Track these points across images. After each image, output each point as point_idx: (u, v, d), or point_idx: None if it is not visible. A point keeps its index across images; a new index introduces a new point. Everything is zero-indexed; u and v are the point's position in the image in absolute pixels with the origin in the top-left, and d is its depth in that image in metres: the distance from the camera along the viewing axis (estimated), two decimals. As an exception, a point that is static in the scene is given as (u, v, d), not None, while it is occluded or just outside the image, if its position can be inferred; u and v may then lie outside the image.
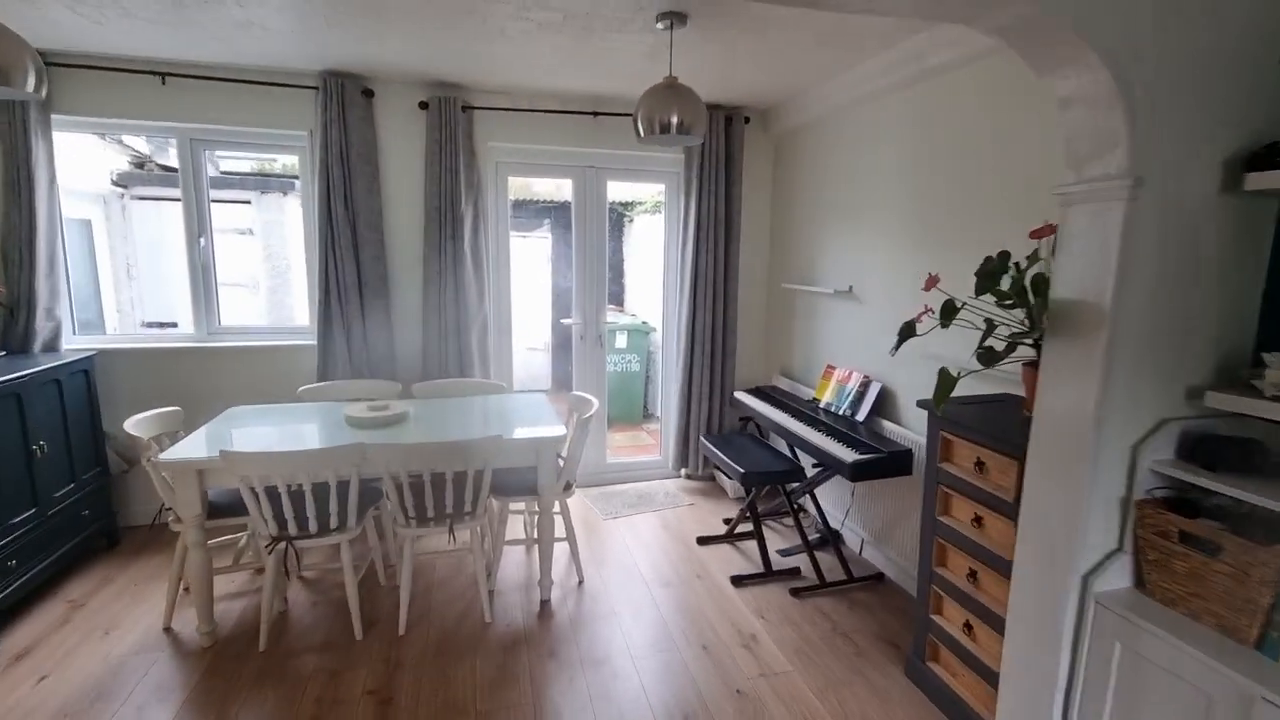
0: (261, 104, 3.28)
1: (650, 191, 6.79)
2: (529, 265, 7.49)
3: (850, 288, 3.29)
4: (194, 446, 2.37)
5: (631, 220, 7.33)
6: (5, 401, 2.49)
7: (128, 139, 4.22)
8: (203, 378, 3.40)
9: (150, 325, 4.67)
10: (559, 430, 2.65)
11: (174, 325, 4.68)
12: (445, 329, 3.55)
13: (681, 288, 3.98)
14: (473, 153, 3.55)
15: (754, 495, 3.13)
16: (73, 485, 2.87)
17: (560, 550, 3.13)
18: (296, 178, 3.83)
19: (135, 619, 2.58)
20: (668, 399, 4.30)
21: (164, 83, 3.14)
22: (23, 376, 2.57)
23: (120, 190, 4.40)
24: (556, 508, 2.78)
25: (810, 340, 3.71)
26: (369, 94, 3.34)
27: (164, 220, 4.61)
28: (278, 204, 4.94)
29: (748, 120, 3.92)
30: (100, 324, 4.21)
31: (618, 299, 7.55)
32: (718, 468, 3.62)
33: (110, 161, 4.30)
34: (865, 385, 3.04)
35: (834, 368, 3.29)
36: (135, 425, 2.44)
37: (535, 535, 2.89)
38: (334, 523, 2.37)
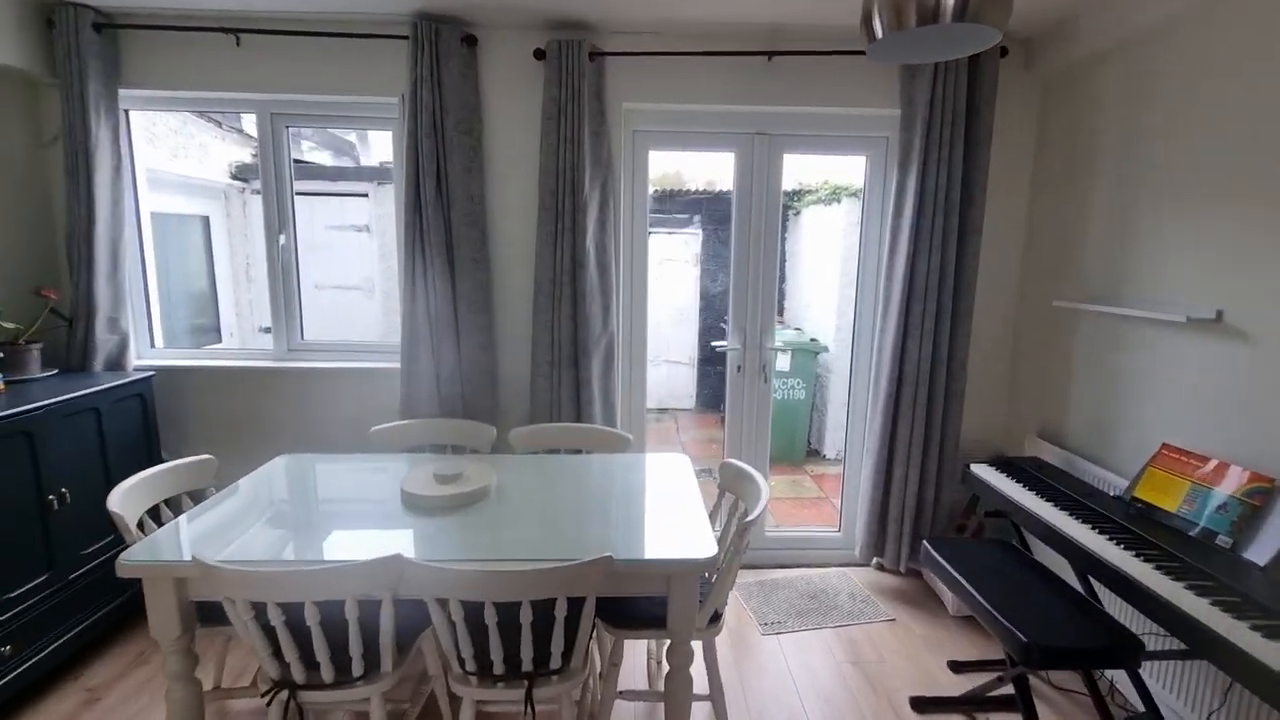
0: (346, 62, 2.60)
1: (837, 170, 5.52)
2: (673, 265, 6.54)
3: (1219, 314, 1.90)
4: (179, 537, 1.66)
5: (797, 213, 6.10)
6: (10, 442, 1.97)
7: (248, 128, 3.93)
8: (278, 405, 2.81)
9: (268, 330, 4.36)
10: (706, 547, 1.61)
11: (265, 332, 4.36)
12: (559, 354, 2.67)
13: (886, 301, 2.77)
14: (602, 116, 2.62)
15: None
16: (111, 537, 2.36)
17: (700, 711, 2.11)
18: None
19: (143, 733, 1.96)
20: (853, 457, 3.10)
21: (238, 43, 2.55)
22: (33, 410, 2.04)
23: (240, 184, 4.14)
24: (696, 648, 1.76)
25: (1115, 395, 2.33)
26: (471, 41, 2.54)
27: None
28: (392, 195, 4.44)
29: (1004, 52, 2.61)
30: (216, 329, 3.90)
31: (777, 308, 6.35)
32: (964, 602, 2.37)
33: (230, 153, 4.03)
34: (1270, 496, 1.67)
35: (1182, 452, 1.92)
36: (133, 490, 1.79)
37: (662, 686, 1.90)
38: (357, 668, 1.55)
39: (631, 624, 1.81)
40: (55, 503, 2.11)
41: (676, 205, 6.80)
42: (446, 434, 2.50)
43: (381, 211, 4.37)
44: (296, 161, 4.89)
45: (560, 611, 1.48)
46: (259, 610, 1.49)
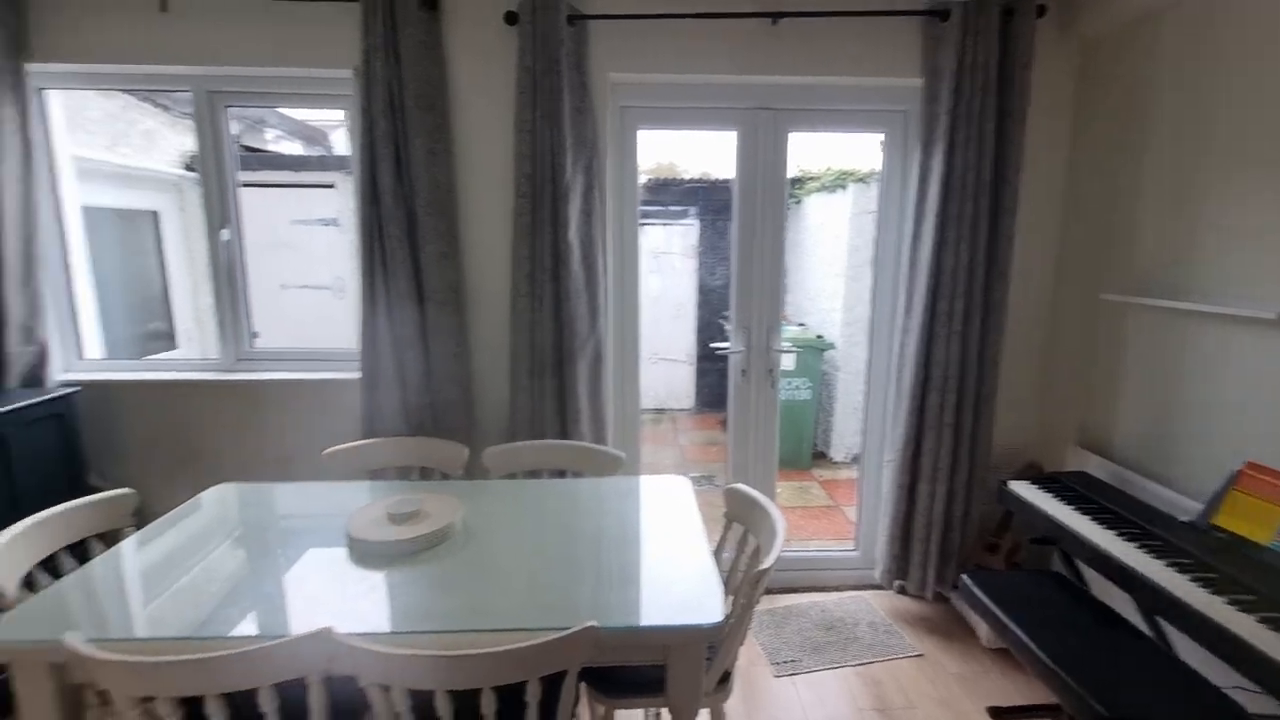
0: (291, 30, 2.27)
1: (843, 154, 5.22)
2: (668, 258, 6.22)
3: (1319, 308, 1.60)
4: (64, 603, 1.35)
5: (799, 202, 5.79)
6: (-120, 481, 1.65)
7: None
8: (226, 424, 2.49)
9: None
10: (711, 608, 1.31)
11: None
12: (540, 360, 2.36)
13: (910, 295, 2.47)
14: (585, 90, 2.30)
15: None
16: (25, 581, 2.04)
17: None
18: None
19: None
20: (870, 466, 2.81)
21: (164, 7, 2.22)
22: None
23: (194, 175, 3.81)
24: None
25: (1178, 401, 2.03)
26: (431, 4, 2.21)
27: (254, 211, 3.96)
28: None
29: (1041, 11, 2.30)
30: (171, 336, 3.57)
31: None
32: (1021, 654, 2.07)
33: (181, 142, 3.70)
34: (1399, 532, 1.37)
35: (1274, 473, 1.63)
36: (17, 541, 1.48)
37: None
38: (283, 768, 1.24)
39: (625, 691, 1.51)
40: (-55, 549, 1.79)
41: (671, 196, 6.47)
42: (412, 455, 2.19)
43: (351, 204, 3.99)
44: (259, 151, 4.54)
45: (533, 697, 1.18)
46: (152, 706, 1.18)
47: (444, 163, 2.29)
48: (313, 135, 4.96)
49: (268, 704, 1.16)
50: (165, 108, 3.55)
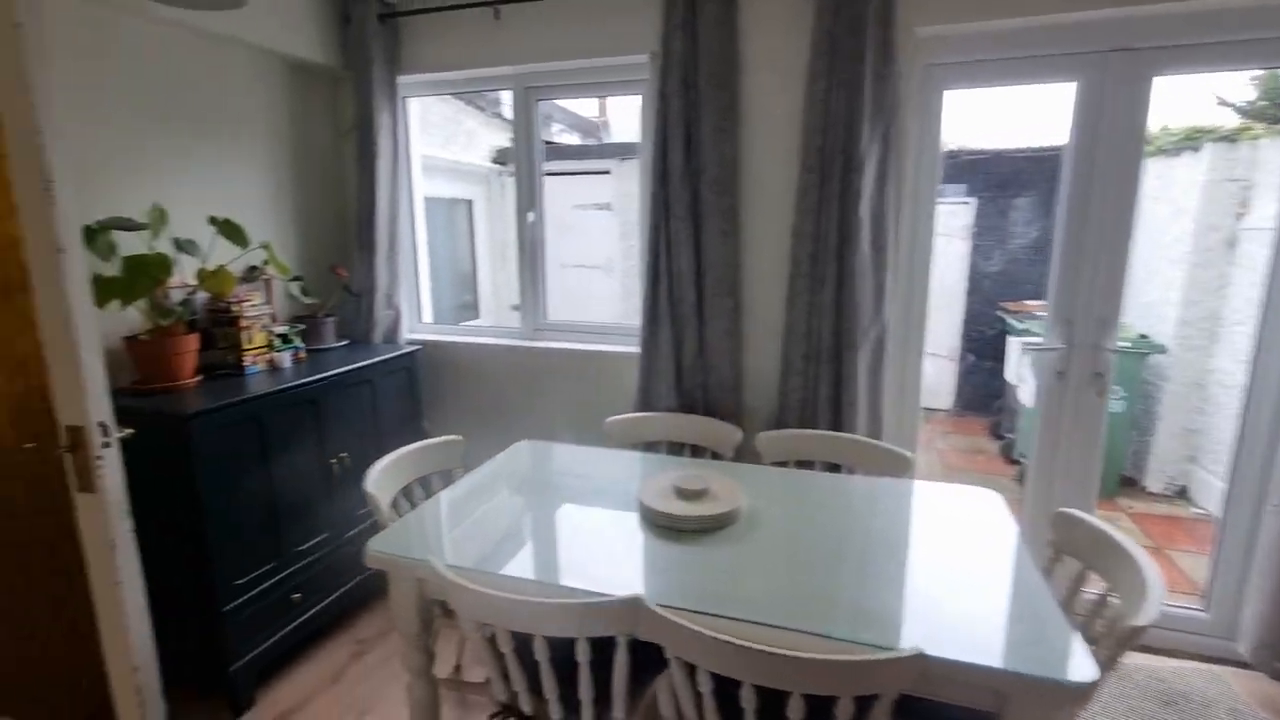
0: (597, 23, 2.41)
1: (1201, 105, 4.17)
2: (940, 240, 5.59)
3: None
4: (423, 529, 1.60)
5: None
6: (300, 410, 2.15)
7: (508, 113, 4.10)
8: (523, 386, 2.81)
9: (517, 308, 4.60)
10: (1080, 664, 1.06)
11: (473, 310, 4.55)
12: (817, 345, 2.23)
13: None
14: (887, 49, 2.07)
15: None
16: (381, 500, 2.53)
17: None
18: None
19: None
20: (1240, 509, 2.16)
21: (497, 16, 2.51)
22: (318, 381, 2.21)
23: (499, 168, 4.38)
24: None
25: None
26: (731, -23, 2.16)
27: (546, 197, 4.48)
28: (634, 171, 4.33)
29: None
30: (475, 306, 4.17)
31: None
32: None
33: (491, 139, 4.26)
34: None
35: None
36: (387, 471, 1.80)
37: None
38: (587, 713, 1.32)
39: (929, 726, 1.34)
40: (336, 466, 2.29)
41: (945, 171, 5.78)
42: (686, 432, 2.23)
43: (623, 189, 4.31)
44: (546, 143, 5.08)
45: (845, 714, 1.08)
46: (488, 629, 1.34)
47: (731, 139, 2.25)
48: (589, 127, 5.41)
49: (581, 655, 1.23)
50: (481, 109, 4.14)
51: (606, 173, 4.36)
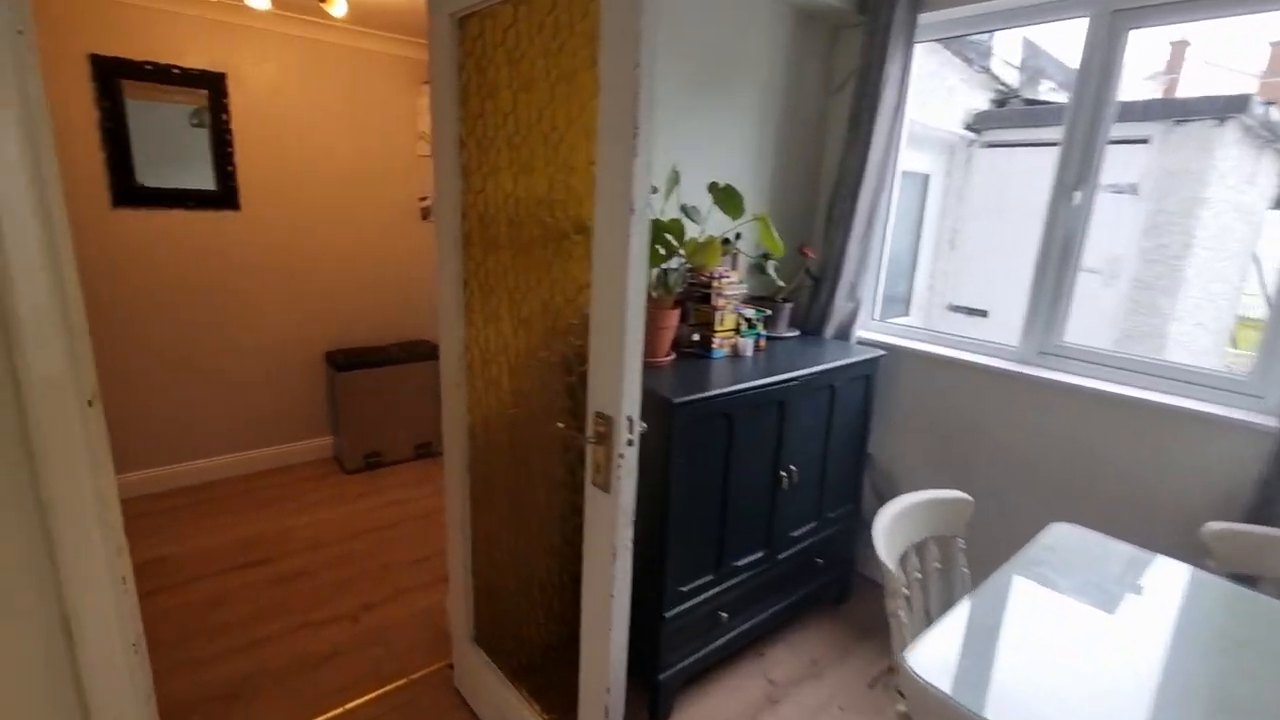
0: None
1: None
2: None
3: None
4: (955, 647, 1.08)
5: None
6: (766, 411, 1.85)
7: (997, 67, 3.23)
8: (1014, 427, 2.09)
9: (957, 309, 3.77)
10: None
11: (982, 314, 3.65)
12: None
13: None
14: None
15: None
16: (814, 524, 2.15)
17: None
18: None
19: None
20: None
21: (1101, -92, 1.75)
22: (789, 381, 1.87)
23: (971, 136, 3.54)
24: None
25: None
26: None
27: (1011, 174, 3.53)
28: (1196, 140, 2.94)
29: None
30: (905, 301, 3.53)
31: None
32: None
33: (970, 100, 3.46)
34: None
35: None
36: (898, 524, 1.34)
37: None
38: None
39: None
40: (784, 480, 1.96)
41: None
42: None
43: (1168, 163, 3.05)
44: (1030, 103, 4.01)
45: None
46: None
47: None
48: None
49: None
50: (969, 60, 3.40)
51: (1143, 141, 3.16)
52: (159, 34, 2.67)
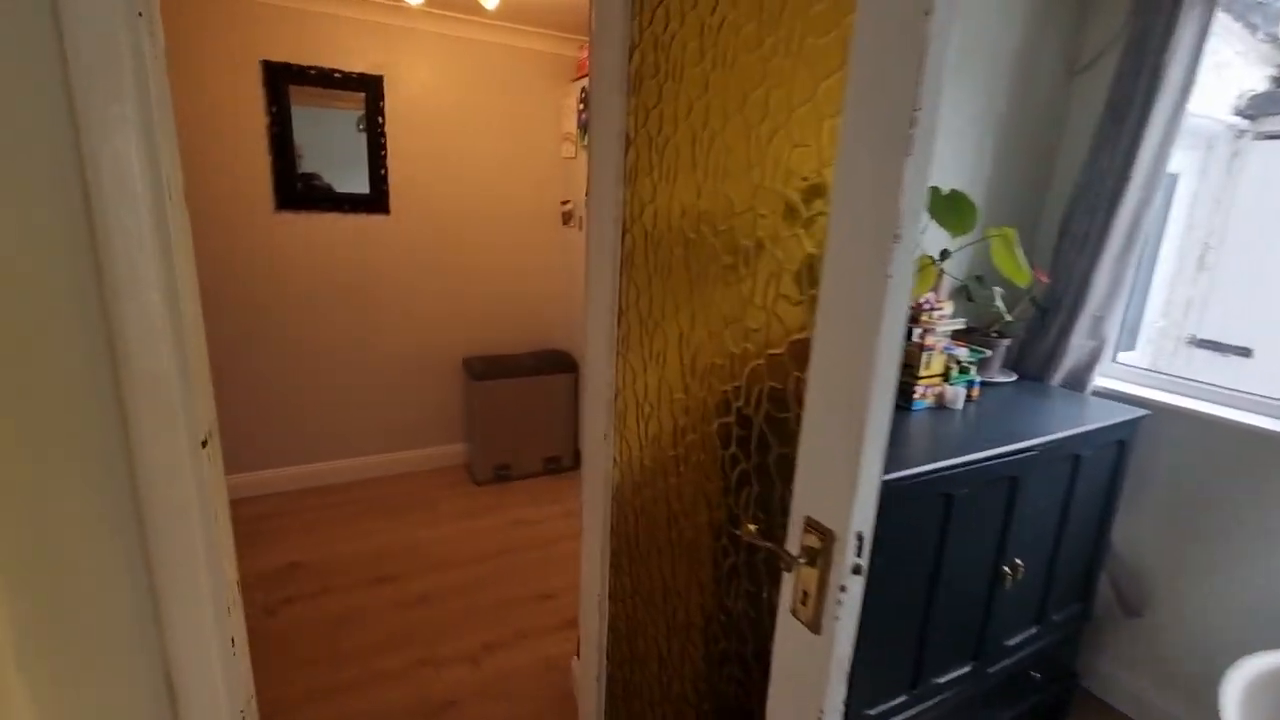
0: None
1: None
2: None
3: None
4: None
5: None
6: (993, 488, 1.40)
7: (1289, 35, 2.43)
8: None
9: (1203, 344, 2.99)
10: None
11: (1244, 352, 2.85)
12: None
13: None
14: None
15: None
16: (1035, 630, 1.66)
17: None
18: None
19: None
20: None
21: None
22: (1027, 451, 1.41)
23: (1243, 124, 2.75)
24: None
25: None
26: None
27: (1288, 176, 2.70)
28: None
29: None
30: (1130, 333, 2.83)
31: None
32: None
33: (1246, 78, 2.69)
34: None
35: None
36: (1261, 691, 0.88)
37: None
38: None
39: None
40: (1008, 575, 1.50)
41: None
42: None
43: None
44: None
45: None
46: None
47: None
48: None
49: None
50: (1253, 27, 2.64)
51: None
52: (322, 38, 2.67)
